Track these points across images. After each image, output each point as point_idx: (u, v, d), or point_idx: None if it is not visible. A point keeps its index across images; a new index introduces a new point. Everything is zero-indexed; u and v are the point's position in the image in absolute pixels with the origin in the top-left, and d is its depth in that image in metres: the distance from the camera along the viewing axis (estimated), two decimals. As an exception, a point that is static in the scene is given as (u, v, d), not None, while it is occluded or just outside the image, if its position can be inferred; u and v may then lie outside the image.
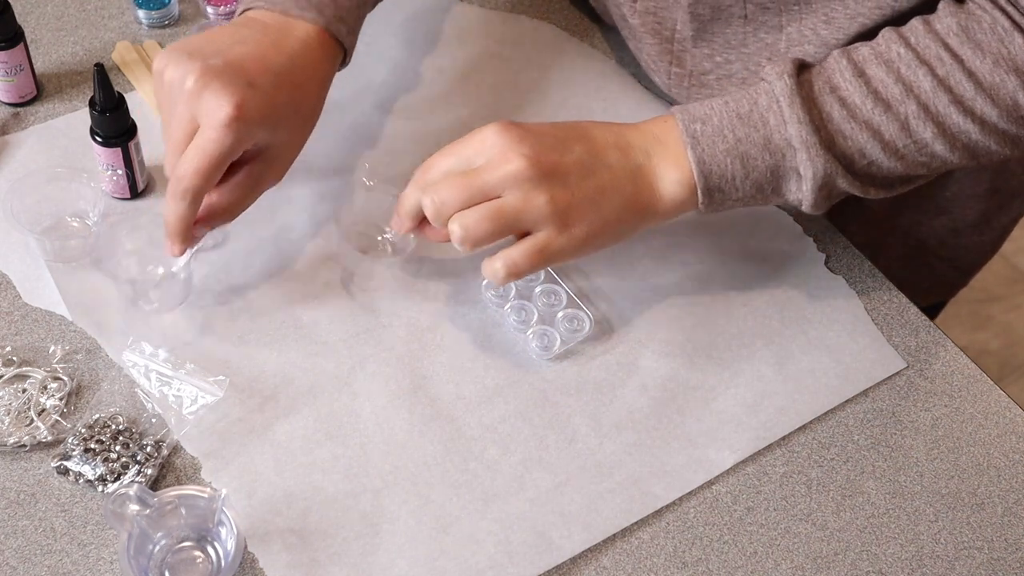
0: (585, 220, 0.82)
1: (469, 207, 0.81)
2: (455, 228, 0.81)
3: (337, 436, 0.84)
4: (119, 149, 0.91)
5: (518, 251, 0.82)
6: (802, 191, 0.84)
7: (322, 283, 0.92)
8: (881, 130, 0.83)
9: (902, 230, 1.12)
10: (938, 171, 0.87)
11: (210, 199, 0.84)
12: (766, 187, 0.85)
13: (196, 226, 0.84)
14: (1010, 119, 0.82)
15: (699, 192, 0.84)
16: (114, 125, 0.90)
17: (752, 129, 0.83)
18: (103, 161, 0.92)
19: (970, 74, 0.81)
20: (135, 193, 0.95)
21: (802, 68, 0.85)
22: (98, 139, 0.91)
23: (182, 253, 0.84)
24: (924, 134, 0.83)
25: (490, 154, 0.81)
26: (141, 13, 1.07)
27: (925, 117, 0.82)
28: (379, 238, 0.92)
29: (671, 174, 0.84)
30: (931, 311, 1.27)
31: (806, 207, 0.85)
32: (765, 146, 0.83)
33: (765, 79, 0.85)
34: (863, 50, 0.84)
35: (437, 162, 0.84)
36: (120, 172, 0.93)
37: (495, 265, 0.82)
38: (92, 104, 0.90)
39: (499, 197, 0.81)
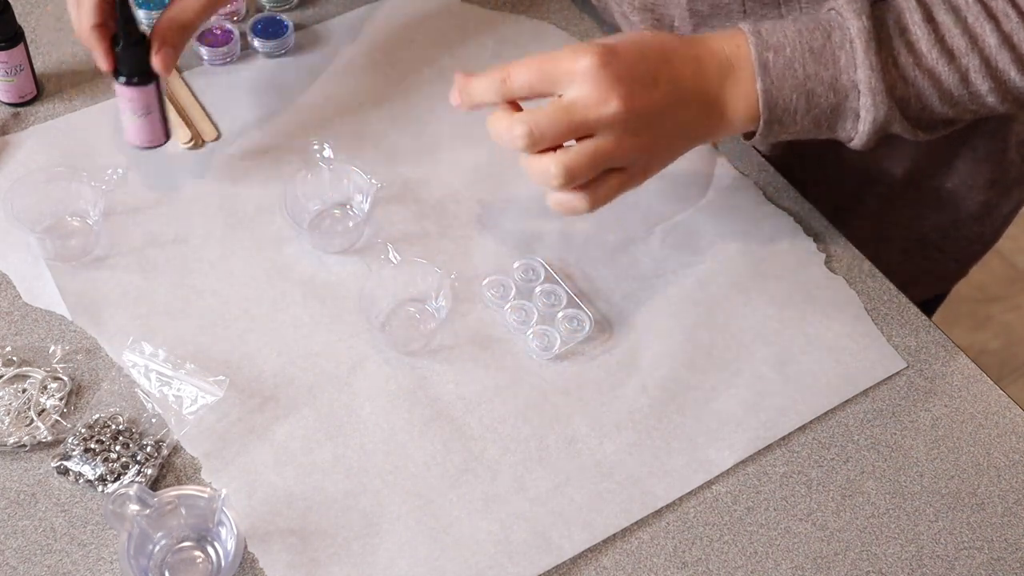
0: (664, 158, 0.86)
1: (562, 143, 0.81)
2: (555, 169, 0.81)
3: (337, 436, 0.84)
4: (154, 86, 0.90)
5: (604, 186, 0.84)
6: (857, 130, 0.86)
7: (321, 283, 0.92)
8: (942, 79, 0.84)
9: (903, 223, 1.12)
10: (982, 116, 0.89)
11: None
12: (823, 123, 0.86)
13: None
14: None
15: (761, 122, 0.85)
16: (144, 60, 0.88)
17: (822, 67, 0.84)
18: (137, 106, 0.90)
19: None
20: (167, 138, 0.95)
21: (871, 7, 0.85)
22: (133, 80, 0.89)
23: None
24: (982, 87, 0.85)
25: (585, 90, 0.80)
26: (141, 13, 1.06)
27: (986, 72, 0.84)
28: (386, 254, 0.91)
29: (740, 103, 0.85)
30: (932, 303, 1.27)
31: (856, 144, 0.87)
32: (832, 85, 0.84)
33: (841, 13, 0.85)
34: None
35: (520, 74, 0.82)
36: (155, 113, 0.92)
37: (580, 198, 0.83)
38: (116, 41, 0.87)
39: (592, 136, 0.81)
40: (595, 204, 0.84)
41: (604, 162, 0.82)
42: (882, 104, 0.83)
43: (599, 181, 0.83)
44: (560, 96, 0.81)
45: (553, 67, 0.81)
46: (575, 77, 0.80)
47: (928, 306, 1.26)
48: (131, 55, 0.88)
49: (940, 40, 0.84)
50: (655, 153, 0.85)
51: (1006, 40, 0.83)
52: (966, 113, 0.88)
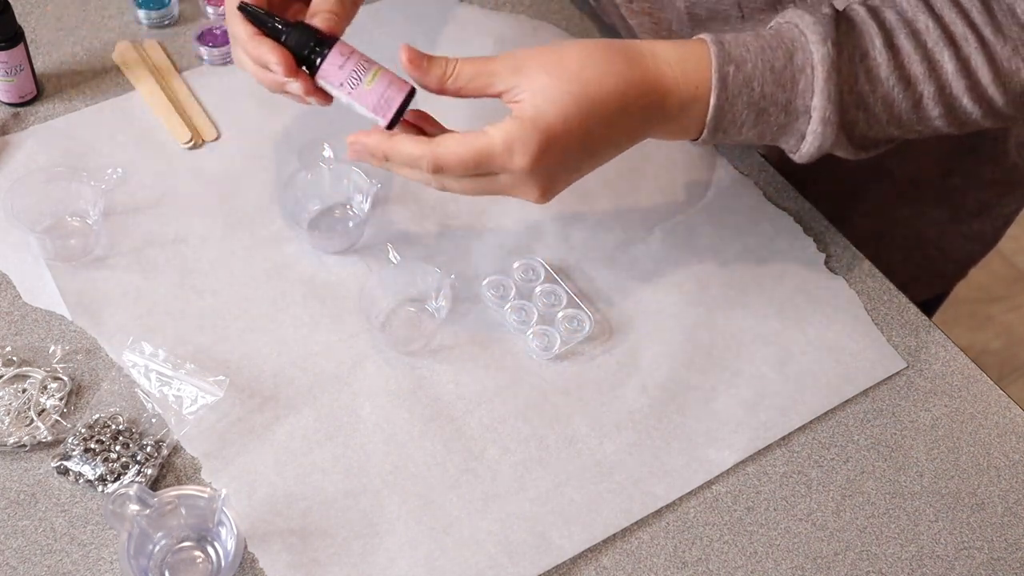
0: (570, 182, 0.84)
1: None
2: (436, 183, 0.81)
3: (337, 436, 0.84)
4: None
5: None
6: (799, 150, 0.85)
7: (321, 283, 0.92)
8: (895, 105, 0.83)
9: (903, 221, 1.12)
10: (923, 137, 0.88)
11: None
12: (766, 137, 0.85)
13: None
14: (1014, 104, 0.83)
15: (705, 130, 0.83)
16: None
17: (779, 89, 0.82)
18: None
19: (990, 59, 0.82)
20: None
21: (838, 23, 0.83)
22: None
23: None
24: (932, 112, 0.84)
25: (509, 181, 0.80)
26: (141, 13, 1.06)
27: (939, 99, 0.83)
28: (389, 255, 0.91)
29: (690, 117, 0.83)
30: (932, 304, 1.27)
31: (794, 158, 0.86)
32: (785, 107, 0.83)
33: (803, 33, 0.83)
34: (889, 15, 0.84)
35: (453, 165, 0.80)
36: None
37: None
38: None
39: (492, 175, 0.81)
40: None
41: (495, 193, 0.82)
42: (830, 135, 0.82)
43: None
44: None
45: (488, 161, 0.79)
46: (505, 169, 0.79)
47: (928, 306, 1.26)
48: None
49: (899, 67, 0.82)
50: (570, 182, 0.84)
51: (963, 67, 0.82)
52: (910, 133, 0.86)
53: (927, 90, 0.83)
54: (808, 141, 0.83)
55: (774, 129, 0.84)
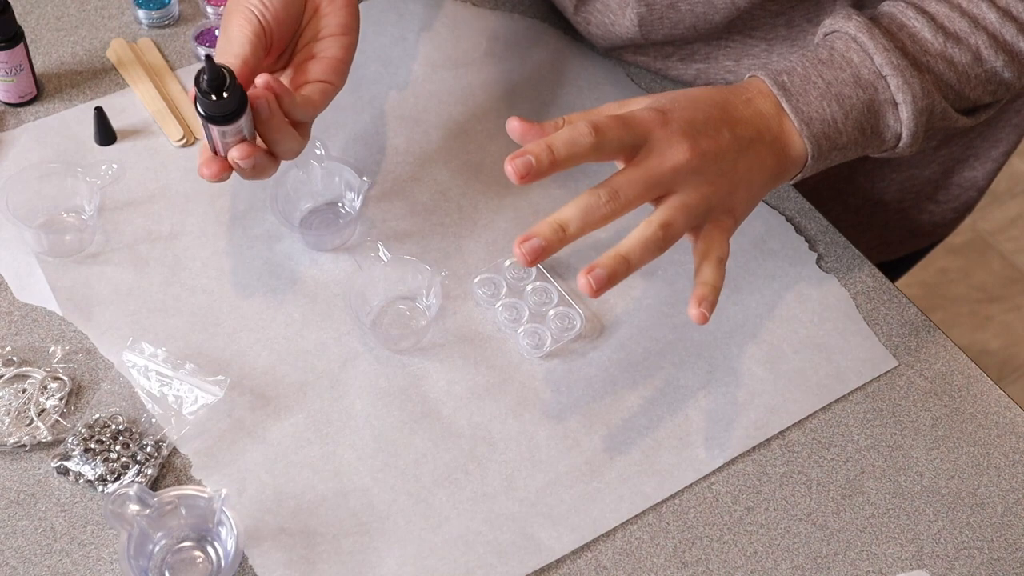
0: (745, 198, 0.83)
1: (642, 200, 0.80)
2: (659, 232, 0.79)
3: (327, 434, 0.84)
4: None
5: (707, 237, 0.82)
6: (900, 120, 0.84)
7: (313, 281, 0.92)
8: (955, 61, 0.84)
9: (897, 182, 1.13)
10: (1000, 98, 0.89)
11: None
12: (866, 126, 0.85)
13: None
14: None
15: (806, 141, 0.83)
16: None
17: (839, 70, 0.83)
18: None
19: None
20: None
21: (860, 13, 0.85)
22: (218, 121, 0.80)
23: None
24: (995, 63, 0.85)
25: (654, 149, 0.79)
26: (141, 13, 1.06)
27: (996, 47, 0.84)
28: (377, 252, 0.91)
29: (792, 134, 0.84)
30: (922, 252, 1.28)
31: (906, 138, 0.85)
32: (856, 82, 0.83)
33: (832, 30, 0.85)
34: None
35: (609, 124, 0.78)
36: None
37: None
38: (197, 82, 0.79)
39: (673, 193, 0.80)
40: (710, 256, 0.82)
41: (693, 213, 0.80)
42: (913, 79, 0.83)
43: (700, 232, 0.82)
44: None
45: (632, 120, 0.80)
46: (644, 133, 0.79)
47: (921, 254, 1.26)
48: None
49: (941, 27, 0.84)
50: (735, 194, 0.83)
51: (1006, 13, 0.84)
52: (986, 95, 0.87)
53: (980, 40, 0.84)
54: (901, 103, 0.83)
55: (865, 112, 0.84)
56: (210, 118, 0.79)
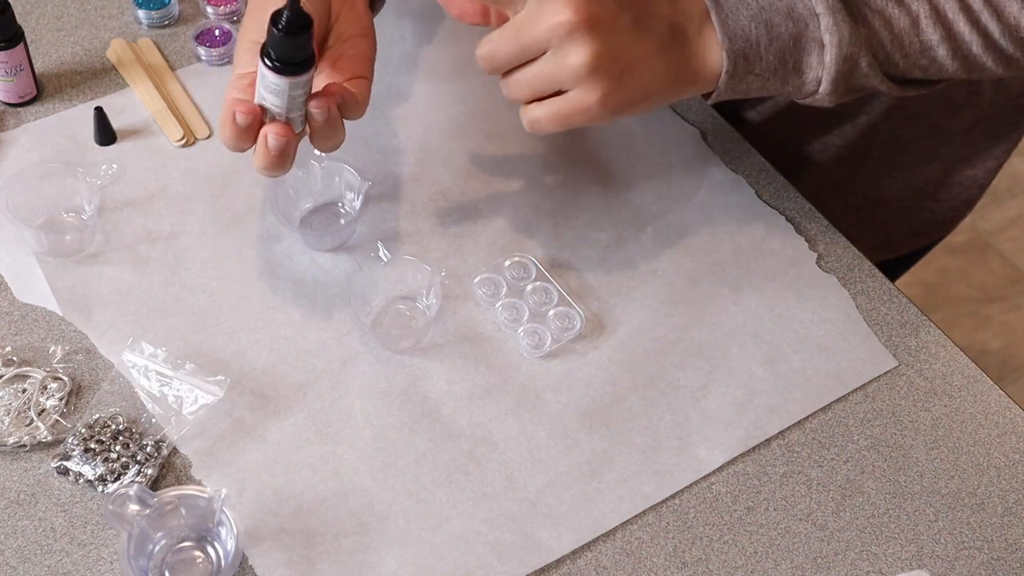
0: (622, 87, 0.80)
1: (519, 63, 0.80)
2: (503, 87, 0.81)
3: (327, 434, 0.84)
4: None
5: (543, 111, 0.81)
6: (823, 63, 0.83)
7: (312, 281, 0.92)
8: (892, 22, 0.83)
9: (898, 180, 1.12)
10: (931, 78, 0.88)
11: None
12: (788, 59, 0.83)
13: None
14: (1010, 39, 0.84)
15: (724, 55, 0.82)
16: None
17: None
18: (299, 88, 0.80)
19: None
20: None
21: None
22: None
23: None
24: (932, 36, 0.84)
25: (539, 3, 0.78)
26: (141, 13, 1.06)
27: (935, 19, 0.83)
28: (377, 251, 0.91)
29: (711, 47, 0.82)
30: (923, 251, 1.27)
31: (825, 84, 0.84)
32: (789, 14, 0.82)
33: None
34: None
35: (496, 37, 0.81)
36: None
37: (523, 118, 0.82)
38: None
39: (544, 52, 0.79)
40: (533, 127, 0.82)
41: (547, 84, 0.80)
42: (844, 23, 0.81)
43: (541, 105, 0.81)
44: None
45: (525, 22, 0.79)
46: (545, 28, 0.78)
47: (923, 252, 1.27)
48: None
49: None
50: (614, 81, 0.79)
51: None
52: (916, 70, 0.86)
53: (922, 9, 0.83)
54: (828, 44, 0.82)
55: (791, 45, 0.82)
56: (282, 65, 0.76)
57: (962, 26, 0.84)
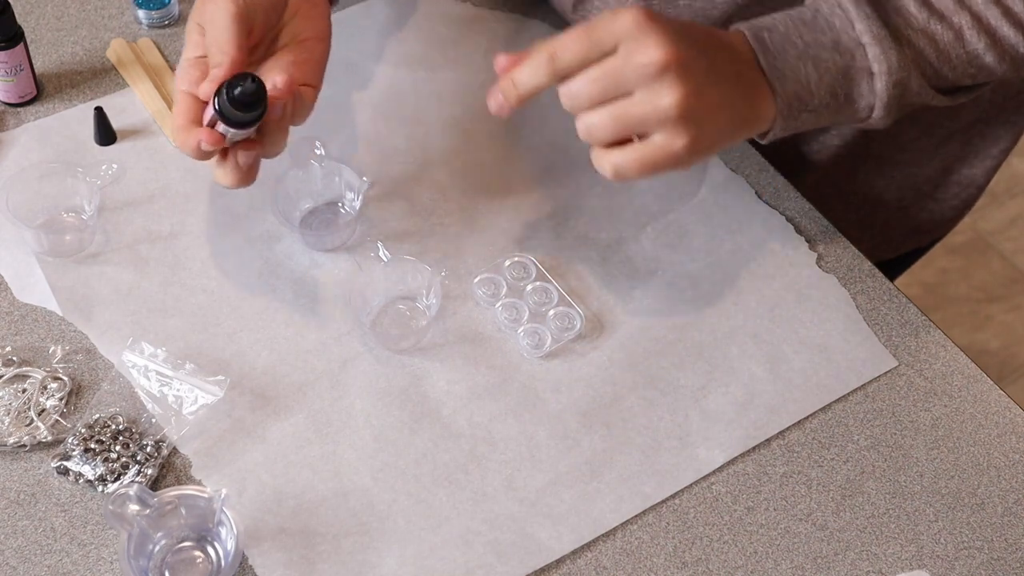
0: (704, 132, 0.79)
1: (600, 102, 0.77)
2: (580, 128, 0.78)
3: (327, 434, 0.84)
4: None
5: (626, 157, 0.78)
6: (875, 91, 0.83)
7: (312, 281, 0.92)
8: (937, 39, 0.84)
9: (897, 179, 1.13)
10: (981, 81, 0.89)
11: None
12: (839, 92, 0.83)
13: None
14: None
15: (778, 99, 0.82)
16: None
17: (819, 33, 0.82)
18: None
19: None
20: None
21: None
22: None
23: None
24: (977, 45, 0.84)
25: (625, 41, 0.76)
26: (141, 13, 1.06)
27: (979, 28, 0.84)
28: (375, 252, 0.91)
29: (765, 91, 0.82)
30: (923, 250, 1.28)
31: (879, 110, 0.84)
32: (835, 47, 0.82)
33: None
34: None
35: (567, 45, 0.76)
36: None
37: (603, 163, 0.79)
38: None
39: (630, 93, 0.77)
40: (617, 173, 0.79)
41: (633, 125, 0.77)
42: (891, 50, 0.82)
43: (625, 151, 0.79)
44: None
45: (597, 28, 0.76)
46: (619, 33, 0.76)
47: (924, 251, 1.27)
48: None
49: (926, 2, 0.84)
50: (697, 126, 0.78)
51: None
52: (966, 78, 0.87)
53: (963, 20, 0.84)
54: (877, 72, 0.82)
55: (840, 78, 0.83)
56: (235, 123, 0.80)
57: (1007, 30, 0.84)
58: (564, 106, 0.78)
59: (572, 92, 0.77)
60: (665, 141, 0.77)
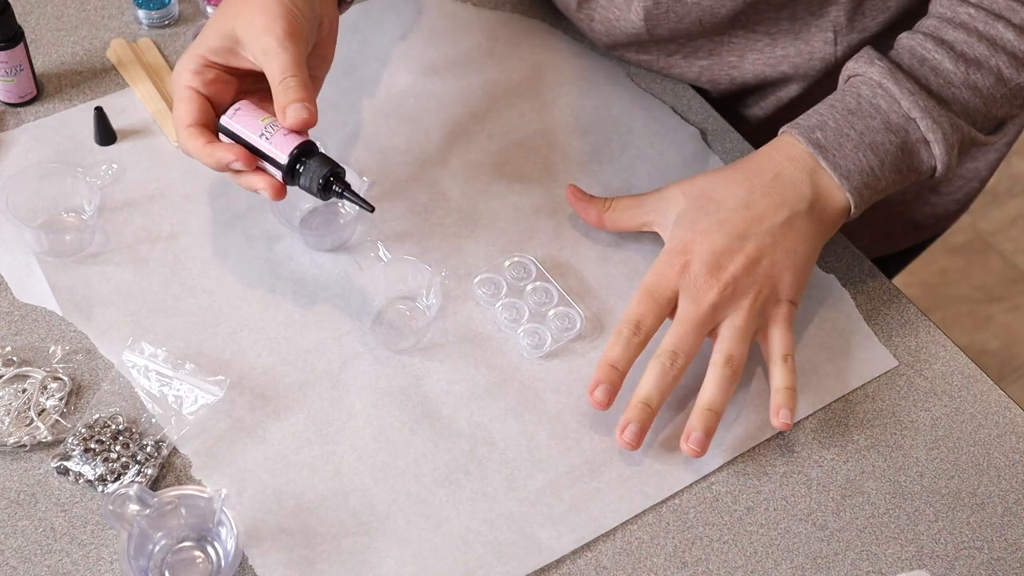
0: (791, 283, 0.87)
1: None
2: (726, 370, 0.85)
3: (327, 434, 0.84)
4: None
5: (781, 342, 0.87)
6: (934, 155, 0.87)
7: (313, 281, 0.92)
8: (979, 87, 0.87)
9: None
10: None
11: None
12: (902, 167, 0.87)
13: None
14: None
15: (848, 195, 0.87)
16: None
17: (869, 119, 0.86)
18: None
19: None
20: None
21: (881, 53, 0.88)
22: None
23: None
24: (1019, 79, 0.87)
25: (686, 296, 0.85)
26: (141, 13, 1.06)
27: (1016, 64, 0.86)
28: (378, 251, 0.91)
29: (831, 191, 0.87)
30: (924, 245, 1.28)
31: (940, 169, 0.88)
32: (887, 128, 0.86)
33: (855, 73, 0.88)
34: (929, 22, 0.88)
35: (638, 313, 0.85)
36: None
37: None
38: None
39: (720, 323, 0.86)
40: (789, 341, 0.87)
41: (747, 332, 0.85)
42: (942, 118, 0.85)
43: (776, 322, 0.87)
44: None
45: (654, 289, 0.86)
46: (674, 286, 0.85)
47: (925, 245, 1.28)
48: None
49: (961, 55, 0.86)
50: (780, 284, 0.87)
51: (1023, 30, 0.85)
52: (1015, 108, 0.90)
53: (1000, 61, 0.86)
54: (933, 140, 0.86)
55: (899, 155, 0.87)
56: (305, 189, 0.83)
57: None
58: (672, 372, 0.84)
59: (678, 351, 0.84)
60: (773, 321, 0.87)
